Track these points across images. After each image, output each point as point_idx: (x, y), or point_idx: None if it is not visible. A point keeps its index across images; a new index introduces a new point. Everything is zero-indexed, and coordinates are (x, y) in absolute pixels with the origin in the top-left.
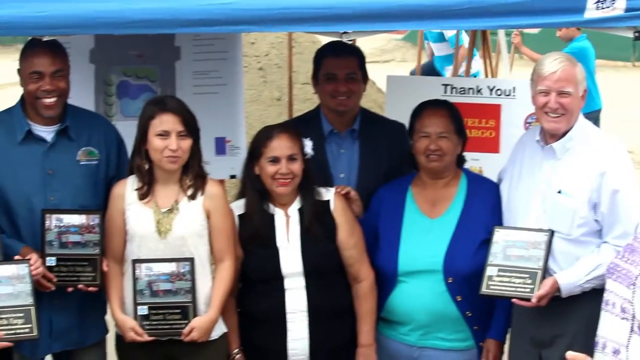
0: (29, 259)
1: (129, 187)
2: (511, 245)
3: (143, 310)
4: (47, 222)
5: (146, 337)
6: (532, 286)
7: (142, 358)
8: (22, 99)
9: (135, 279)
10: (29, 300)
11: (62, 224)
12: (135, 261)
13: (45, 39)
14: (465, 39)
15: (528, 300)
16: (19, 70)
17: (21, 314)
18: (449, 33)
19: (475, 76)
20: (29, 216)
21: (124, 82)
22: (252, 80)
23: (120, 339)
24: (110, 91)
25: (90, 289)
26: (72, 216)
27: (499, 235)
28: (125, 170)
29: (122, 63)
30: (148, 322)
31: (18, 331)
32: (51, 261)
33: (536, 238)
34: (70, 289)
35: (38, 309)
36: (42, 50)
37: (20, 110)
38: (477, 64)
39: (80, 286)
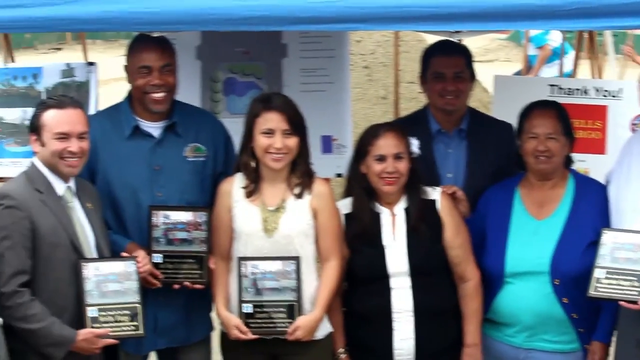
0: (136, 257)
1: (236, 184)
2: (619, 248)
3: (248, 308)
4: (154, 219)
5: (250, 336)
6: (639, 289)
7: (246, 356)
8: (130, 95)
9: (240, 277)
10: (136, 297)
11: (169, 221)
12: (241, 259)
13: (153, 35)
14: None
15: (635, 302)
16: (126, 67)
17: (128, 312)
18: (533, 32)
19: (567, 76)
20: (136, 212)
21: (231, 79)
22: (357, 78)
23: (224, 337)
24: (217, 88)
25: (197, 286)
26: (180, 213)
27: (607, 237)
28: (232, 167)
29: (228, 60)
30: (253, 320)
31: (124, 329)
32: (158, 258)
33: None
34: (176, 286)
35: (144, 307)
36: (150, 45)
37: (127, 106)
38: (570, 63)
39: (186, 283)
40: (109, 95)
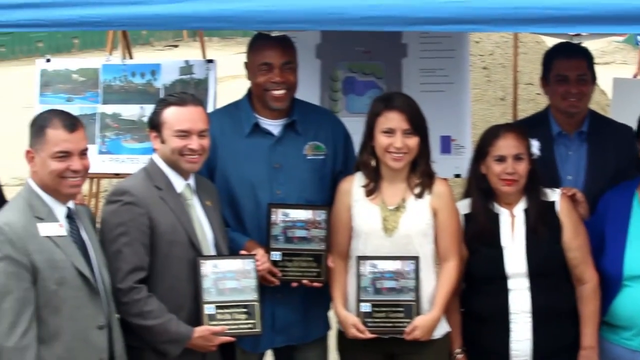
0: (255, 254)
1: (355, 183)
2: None
3: (366, 307)
4: (273, 217)
5: (368, 335)
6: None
7: (363, 355)
8: (249, 92)
9: (359, 276)
10: (254, 295)
11: (288, 219)
12: (360, 258)
13: (274, 34)
14: None
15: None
16: (246, 64)
17: (245, 309)
18: None
19: None
20: (254, 210)
21: (350, 78)
22: (475, 79)
23: (341, 336)
24: (336, 87)
25: (315, 284)
26: (299, 211)
27: None
28: (352, 166)
29: (348, 59)
30: (371, 320)
31: (242, 326)
32: (276, 256)
33: None
34: (294, 284)
35: (262, 305)
36: (271, 43)
37: (247, 104)
38: None
39: (304, 281)
40: (225, 93)
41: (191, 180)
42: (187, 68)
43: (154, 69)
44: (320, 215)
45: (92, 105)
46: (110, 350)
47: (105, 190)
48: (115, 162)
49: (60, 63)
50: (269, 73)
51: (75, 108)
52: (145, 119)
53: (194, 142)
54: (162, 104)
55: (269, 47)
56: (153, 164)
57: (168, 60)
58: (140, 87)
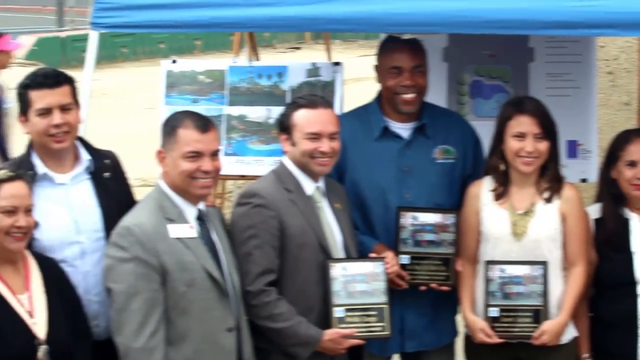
0: (384, 257)
1: (484, 187)
2: None
3: (494, 312)
4: (402, 220)
5: (496, 339)
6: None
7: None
8: (379, 96)
9: (487, 280)
10: (383, 298)
11: (417, 222)
12: (488, 262)
13: (405, 36)
14: None
15: None
16: (376, 67)
17: (375, 312)
18: None
19: None
20: (384, 213)
21: (477, 82)
22: (600, 84)
23: (469, 341)
24: (463, 90)
25: (443, 288)
26: (428, 214)
27: None
28: (481, 169)
29: (475, 62)
30: (498, 324)
31: (371, 329)
32: (405, 259)
33: None
34: (422, 288)
35: (391, 308)
36: (402, 46)
37: (377, 107)
38: None
39: (433, 285)
40: (348, 96)
41: (321, 183)
42: (313, 70)
43: (281, 71)
44: (449, 219)
45: (218, 107)
46: (239, 352)
47: (231, 191)
48: (241, 164)
49: (186, 64)
50: (399, 76)
51: (201, 109)
52: (272, 121)
53: (325, 145)
54: (293, 106)
55: (399, 50)
56: (283, 167)
57: (295, 62)
58: (266, 89)
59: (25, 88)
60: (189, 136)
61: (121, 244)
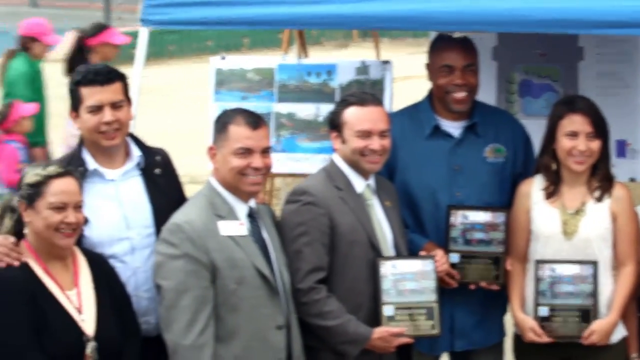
0: (434, 256)
1: (535, 186)
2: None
3: (544, 311)
4: (452, 218)
5: (545, 339)
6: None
7: (539, 359)
8: (430, 94)
9: (537, 280)
10: (433, 297)
11: (467, 221)
12: (538, 262)
13: (455, 35)
14: None
15: None
16: (427, 65)
17: (424, 311)
18: None
19: None
20: (434, 211)
21: (526, 81)
22: None
23: (518, 340)
24: (512, 89)
25: (493, 287)
26: (478, 213)
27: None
28: (531, 168)
29: (524, 61)
30: (548, 324)
31: (421, 328)
32: (455, 258)
33: None
34: (472, 287)
35: (441, 306)
36: (453, 45)
37: (428, 105)
38: None
39: (482, 284)
40: (396, 94)
41: (371, 181)
42: (362, 69)
43: (330, 69)
44: (499, 217)
45: (267, 104)
46: (288, 350)
47: (279, 189)
48: (290, 161)
49: (235, 61)
50: (450, 75)
51: (250, 107)
52: (321, 119)
53: (375, 143)
54: (343, 104)
55: (451, 49)
56: (333, 164)
57: (344, 60)
58: (315, 87)
59: (77, 84)
60: (239, 133)
61: (171, 241)
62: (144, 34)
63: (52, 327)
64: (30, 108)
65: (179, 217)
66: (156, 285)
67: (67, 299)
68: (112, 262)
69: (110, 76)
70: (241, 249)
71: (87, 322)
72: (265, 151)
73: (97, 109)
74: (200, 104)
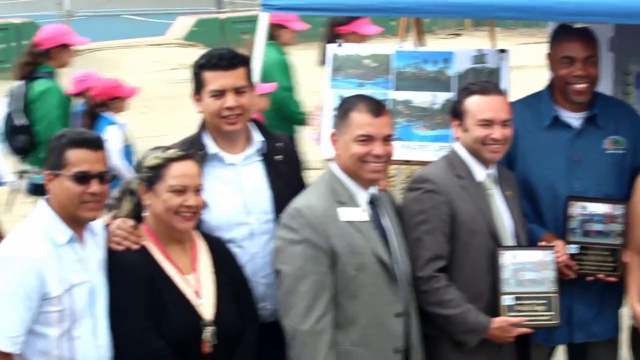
0: (554, 246)
1: None
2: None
3: None
4: (571, 210)
5: None
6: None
7: None
8: (551, 84)
9: None
10: (553, 287)
11: (586, 212)
12: None
13: (575, 26)
14: None
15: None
16: (548, 55)
17: (544, 301)
18: None
19: None
20: (552, 202)
21: None
22: None
23: (636, 333)
24: (629, 81)
25: (610, 279)
26: (597, 205)
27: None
28: None
29: None
30: None
31: (540, 318)
32: (573, 249)
33: None
34: (589, 278)
35: (560, 297)
36: (574, 36)
37: (548, 95)
38: None
39: (600, 276)
40: (520, 82)
41: (492, 170)
42: (479, 57)
43: (447, 57)
44: (618, 209)
45: (383, 91)
46: (406, 338)
47: (393, 175)
48: (406, 149)
49: (352, 48)
50: (570, 66)
51: (366, 93)
52: (437, 107)
53: (497, 132)
54: (465, 92)
55: (572, 40)
56: (454, 153)
57: (461, 48)
58: (432, 75)
59: (200, 68)
60: (361, 120)
61: (292, 226)
62: (264, 18)
63: (170, 311)
64: (267, 87)
65: (299, 202)
66: (275, 270)
67: (185, 283)
68: (230, 247)
69: (234, 61)
70: (361, 235)
71: (206, 306)
72: (387, 139)
73: (219, 93)
74: (317, 90)
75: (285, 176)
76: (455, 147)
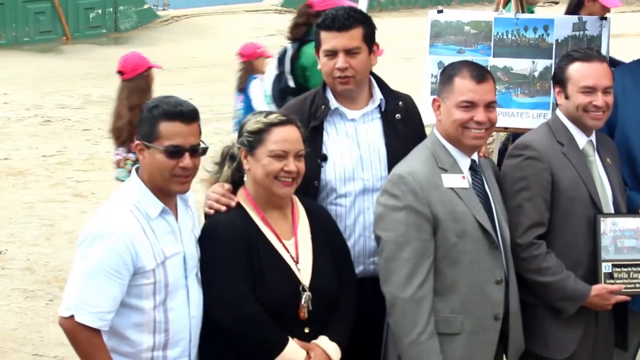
0: None
1: None
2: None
3: None
4: None
5: None
6: None
7: None
8: None
9: None
10: None
11: None
12: None
13: None
14: None
15: None
16: None
17: None
18: None
19: None
20: None
21: None
22: None
23: None
24: None
25: None
26: None
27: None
28: None
29: None
30: None
31: (638, 286)
32: None
33: None
34: None
35: None
36: None
37: None
38: None
39: None
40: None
41: (593, 137)
42: (580, 24)
43: (547, 24)
44: None
45: (483, 58)
46: (506, 305)
47: (491, 142)
48: (505, 116)
49: (452, 14)
50: None
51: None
52: (537, 74)
53: (599, 99)
54: (567, 59)
55: None
56: (556, 119)
57: (562, 16)
58: (532, 42)
59: (318, 27)
60: (464, 86)
61: (394, 192)
62: None
63: (267, 276)
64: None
65: (401, 168)
66: (376, 236)
67: (284, 248)
68: (343, 200)
69: (348, 22)
70: (463, 202)
71: (304, 271)
72: (489, 105)
73: (332, 53)
74: (412, 57)
75: (403, 135)
76: (558, 113)
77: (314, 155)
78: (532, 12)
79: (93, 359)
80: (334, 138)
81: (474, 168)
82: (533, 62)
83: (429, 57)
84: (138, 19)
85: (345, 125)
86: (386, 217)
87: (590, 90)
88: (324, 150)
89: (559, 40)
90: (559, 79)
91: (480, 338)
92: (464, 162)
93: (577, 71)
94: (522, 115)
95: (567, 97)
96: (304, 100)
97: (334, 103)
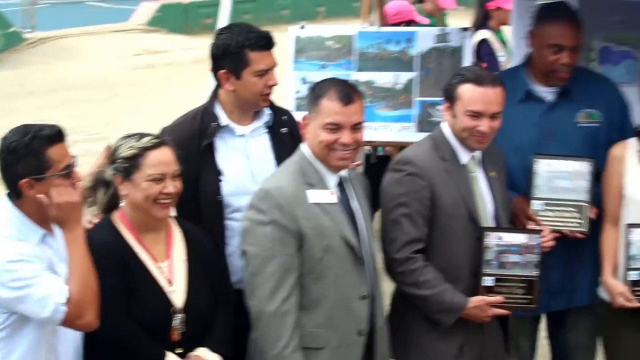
0: (542, 231)
1: (629, 149)
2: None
3: (634, 275)
4: (536, 166)
5: (635, 304)
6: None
7: (628, 325)
8: (528, 61)
9: (627, 244)
10: (535, 271)
11: (551, 169)
12: (629, 225)
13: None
14: None
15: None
16: (532, 33)
17: (524, 285)
18: None
19: None
20: (525, 175)
21: (606, 48)
22: None
23: (605, 305)
24: (592, 56)
25: (577, 235)
26: (563, 162)
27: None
28: (628, 135)
29: (604, 29)
30: (638, 288)
31: (518, 301)
32: (538, 205)
33: None
34: (556, 235)
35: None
36: (564, 22)
37: (522, 71)
38: None
39: (565, 231)
40: None
41: (477, 152)
42: (442, 36)
43: (410, 37)
44: (584, 166)
45: (345, 73)
46: (371, 321)
47: None
48: (368, 130)
49: (315, 29)
50: (559, 54)
51: (328, 75)
52: (399, 87)
53: (484, 125)
54: (460, 78)
55: (563, 26)
56: (441, 133)
57: (424, 28)
58: (394, 55)
59: (243, 47)
60: (331, 108)
61: (260, 207)
62: (226, 3)
63: (141, 296)
64: None
65: (269, 183)
66: (242, 251)
67: (158, 270)
68: (238, 215)
69: (272, 42)
70: (329, 217)
71: (177, 293)
72: (356, 126)
73: (265, 72)
74: (279, 72)
75: (291, 148)
76: (443, 127)
77: (213, 171)
78: (500, 37)
79: None
80: (225, 154)
81: (341, 184)
82: (396, 75)
83: (292, 73)
84: (4, 42)
85: (235, 141)
86: (252, 232)
87: (476, 115)
88: (218, 166)
89: (422, 53)
90: (449, 96)
91: (344, 353)
92: (332, 178)
93: (467, 93)
94: (385, 129)
95: (454, 116)
96: (193, 118)
97: (224, 120)
